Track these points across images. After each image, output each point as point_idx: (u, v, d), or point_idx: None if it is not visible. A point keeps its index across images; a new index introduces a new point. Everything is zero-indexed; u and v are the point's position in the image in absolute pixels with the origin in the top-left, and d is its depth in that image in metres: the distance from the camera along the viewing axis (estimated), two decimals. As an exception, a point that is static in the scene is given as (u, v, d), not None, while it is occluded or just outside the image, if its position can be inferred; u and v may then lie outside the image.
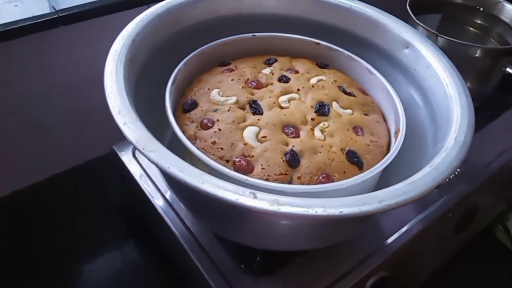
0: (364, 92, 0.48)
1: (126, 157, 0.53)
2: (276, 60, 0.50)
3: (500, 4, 0.68)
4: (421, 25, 0.59)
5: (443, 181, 0.33)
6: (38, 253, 0.54)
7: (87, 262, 0.54)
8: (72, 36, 0.54)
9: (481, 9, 0.69)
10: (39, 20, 0.48)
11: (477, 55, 0.58)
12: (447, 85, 0.42)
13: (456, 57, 0.57)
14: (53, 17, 0.49)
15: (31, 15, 0.49)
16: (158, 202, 0.49)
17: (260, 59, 0.51)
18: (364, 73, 0.49)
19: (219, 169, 0.36)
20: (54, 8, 0.50)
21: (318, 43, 0.51)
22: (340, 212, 0.29)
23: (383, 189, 0.32)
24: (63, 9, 0.50)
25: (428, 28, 0.58)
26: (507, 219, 0.64)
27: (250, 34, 0.51)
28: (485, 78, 0.63)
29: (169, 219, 0.47)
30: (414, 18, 0.60)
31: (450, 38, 0.57)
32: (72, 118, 0.61)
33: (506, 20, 0.67)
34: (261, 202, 0.30)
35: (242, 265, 0.44)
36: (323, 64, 0.51)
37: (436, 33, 0.58)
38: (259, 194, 0.30)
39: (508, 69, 0.72)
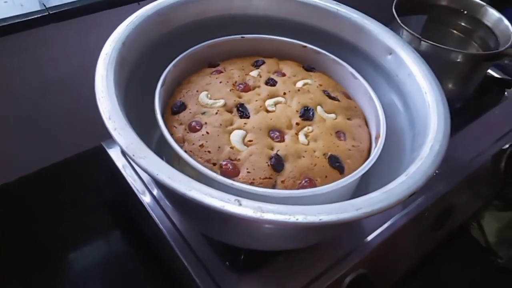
0: (348, 96, 0.50)
1: (115, 154, 0.55)
2: (263, 62, 0.51)
3: (483, 8, 0.69)
4: (405, 29, 0.61)
5: (417, 189, 0.35)
6: (27, 245, 0.55)
7: (76, 254, 0.56)
8: (62, 33, 0.54)
9: (465, 12, 0.71)
10: (29, 18, 0.49)
11: (458, 60, 0.59)
12: (426, 93, 0.44)
13: (438, 61, 0.59)
14: (43, 14, 0.50)
15: (20, 13, 0.49)
16: (146, 199, 0.50)
17: (248, 60, 0.52)
18: (348, 77, 0.50)
19: (206, 173, 0.38)
20: (44, 6, 0.50)
21: (305, 46, 0.52)
22: (320, 219, 0.31)
23: (360, 197, 0.34)
24: (53, 6, 0.51)
25: (412, 32, 0.60)
26: (482, 217, 0.67)
27: (239, 36, 0.52)
28: (466, 81, 0.65)
29: (156, 215, 0.49)
30: (399, 21, 0.62)
31: (433, 43, 0.59)
32: (62, 112, 0.61)
33: (489, 24, 0.69)
34: (246, 209, 0.31)
35: (227, 262, 0.46)
36: (309, 67, 0.52)
37: (419, 37, 0.59)
38: (244, 201, 0.32)
39: (489, 71, 0.74)
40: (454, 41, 0.70)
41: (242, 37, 0.52)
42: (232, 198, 0.32)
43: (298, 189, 0.40)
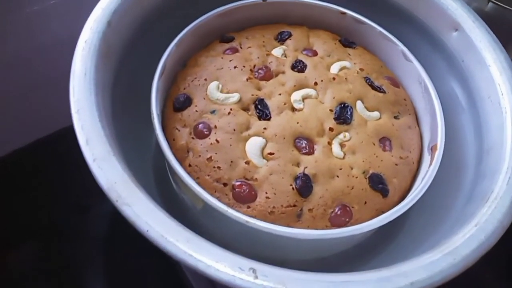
0: (396, 83, 0.40)
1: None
2: (290, 35, 0.41)
3: None
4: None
5: (491, 246, 0.27)
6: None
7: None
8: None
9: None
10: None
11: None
12: (502, 94, 0.34)
13: (507, 26, 0.47)
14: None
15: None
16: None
17: (270, 31, 0.41)
18: (399, 57, 0.40)
19: (214, 206, 0.30)
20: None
21: (344, 13, 0.41)
22: (361, 299, 0.24)
23: (413, 259, 0.26)
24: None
25: (480, -11, 0.47)
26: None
27: (260, -1, 0.41)
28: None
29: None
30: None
31: (504, 5, 0.46)
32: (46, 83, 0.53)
33: None
34: (264, 283, 0.24)
35: None
36: (347, 42, 0.41)
37: (489, -4, 0.47)
38: (260, 269, 0.24)
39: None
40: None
41: (263, 0, 0.41)
42: (246, 265, 0.24)
43: (329, 219, 0.32)
